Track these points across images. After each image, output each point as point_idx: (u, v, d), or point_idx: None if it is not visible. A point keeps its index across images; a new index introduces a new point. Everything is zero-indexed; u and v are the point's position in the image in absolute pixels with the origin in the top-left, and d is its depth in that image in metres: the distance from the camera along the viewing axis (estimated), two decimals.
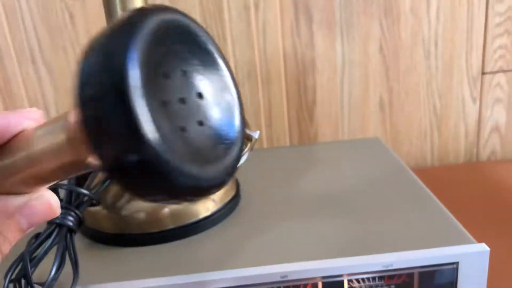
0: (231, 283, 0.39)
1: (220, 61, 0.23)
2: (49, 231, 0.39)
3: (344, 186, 0.53)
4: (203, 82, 0.21)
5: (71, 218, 0.40)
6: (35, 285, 0.38)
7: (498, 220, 0.59)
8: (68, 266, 0.39)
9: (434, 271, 0.40)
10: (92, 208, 0.46)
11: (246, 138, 0.40)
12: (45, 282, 0.37)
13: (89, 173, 0.44)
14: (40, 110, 0.24)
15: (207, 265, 0.41)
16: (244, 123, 0.23)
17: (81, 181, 0.43)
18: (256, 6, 0.71)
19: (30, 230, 0.24)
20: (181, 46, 0.21)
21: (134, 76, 0.16)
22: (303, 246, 0.43)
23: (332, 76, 0.75)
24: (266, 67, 0.74)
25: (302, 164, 0.60)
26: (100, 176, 0.45)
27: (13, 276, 0.36)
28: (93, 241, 0.47)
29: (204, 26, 0.71)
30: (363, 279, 0.40)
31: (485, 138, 0.80)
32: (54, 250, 0.39)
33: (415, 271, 0.40)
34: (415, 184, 0.52)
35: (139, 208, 0.46)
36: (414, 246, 0.40)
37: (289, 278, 0.39)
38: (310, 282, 0.40)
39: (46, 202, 0.24)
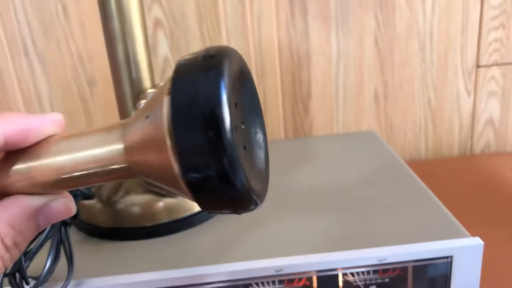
0: (226, 277, 0.39)
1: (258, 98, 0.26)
2: None
3: (338, 180, 0.53)
4: (251, 114, 0.24)
5: None
6: (29, 279, 0.38)
7: (492, 213, 0.59)
8: (62, 260, 0.39)
9: (428, 265, 0.40)
10: (87, 202, 0.46)
11: None
12: (39, 276, 0.37)
13: None
14: (62, 115, 0.25)
15: (202, 259, 0.41)
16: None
17: None
18: None
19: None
20: (239, 84, 0.23)
21: (230, 128, 0.19)
22: (297, 240, 0.43)
23: (327, 69, 0.75)
24: (261, 59, 0.74)
25: (297, 158, 0.60)
26: None
27: (8, 270, 0.36)
28: (87, 235, 0.47)
29: (198, 18, 0.71)
30: (357, 273, 0.40)
31: (479, 131, 0.80)
32: (48, 244, 0.39)
33: (409, 264, 0.40)
34: (409, 178, 0.52)
35: (134, 202, 0.46)
36: (408, 240, 0.40)
37: (284, 272, 0.39)
38: (305, 276, 0.40)
39: (65, 203, 0.25)
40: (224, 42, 0.73)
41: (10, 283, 0.36)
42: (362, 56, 0.75)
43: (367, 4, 0.72)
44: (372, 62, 0.75)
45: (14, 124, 0.23)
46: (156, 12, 0.70)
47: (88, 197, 0.46)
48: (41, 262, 0.38)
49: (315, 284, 0.41)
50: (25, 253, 0.38)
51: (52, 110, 0.74)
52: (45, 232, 0.39)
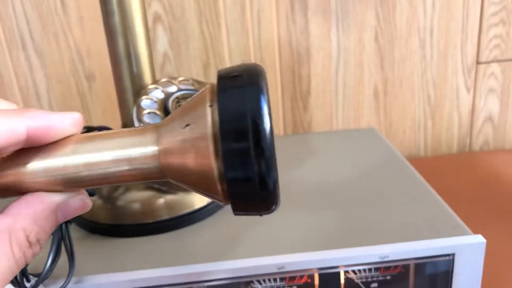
0: (228, 274, 0.39)
1: None
2: None
3: (340, 177, 0.53)
4: None
5: None
6: (30, 276, 0.37)
7: (491, 210, 0.59)
8: (63, 258, 0.38)
9: (430, 263, 0.40)
10: None
11: None
12: (40, 273, 0.37)
13: None
14: (81, 114, 0.25)
15: (202, 256, 0.41)
16: None
17: None
18: None
19: None
20: None
21: (270, 137, 0.22)
22: (299, 237, 0.43)
23: (327, 65, 0.75)
24: (261, 55, 0.74)
25: (297, 154, 0.60)
26: None
27: None
28: (88, 231, 0.46)
29: (198, 13, 0.70)
30: (359, 270, 0.40)
31: (478, 128, 0.80)
32: (49, 241, 0.39)
33: (411, 262, 0.40)
34: (411, 175, 0.52)
35: (134, 198, 0.45)
36: (410, 238, 0.40)
37: (286, 269, 0.39)
38: (306, 273, 0.40)
39: (83, 199, 0.25)
40: (223, 37, 0.72)
41: (11, 280, 0.36)
42: (362, 52, 0.74)
43: (368, 0, 0.72)
44: (372, 59, 0.75)
45: (37, 119, 0.23)
46: (155, 7, 0.70)
47: (88, 194, 0.46)
48: (42, 259, 0.37)
49: (316, 281, 0.40)
50: None
51: (50, 105, 0.74)
52: None
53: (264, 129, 0.21)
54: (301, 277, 0.40)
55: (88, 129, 0.46)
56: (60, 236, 0.40)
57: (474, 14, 0.73)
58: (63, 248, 0.39)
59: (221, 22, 0.72)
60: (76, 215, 0.26)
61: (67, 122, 0.24)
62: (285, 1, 0.71)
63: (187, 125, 0.23)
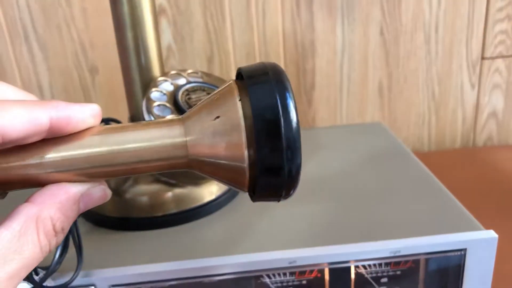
0: (238, 268, 0.39)
1: None
2: None
3: (349, 172, 0.53)
4: None
5: None
6: (38, 270, 0.37)
7: (494, 205, 0.59)
8: (70, 251, 0.38)
9: (441, 258, 0.40)
10: None
11: None
12: (49, 267, 0.37)
13: None
14: (99, 107, 0.25)
15: (212, 250, 0.41)
16: None
17: None
18: None
19: None
20: None
21: (297, 126, 0.24)
22: (309, 232, 0.42)
23: (331, 60, 0.74)
24: (265, 49, 0.73)
25: (305, 149, 0.59)
26: None
27: None
28: (95, 225, 0.46)
29: (202, 6, 0.70)
30: (369, 265, 0.40)
31: (482, 124, 0.80)
32: None
33: (422, 257, 0.40)
34: (420, 170, 0.52)
35: (142, 191, 0.45)
36: (421, 232, 0.40)
37: (297, 263, 0.39)
38: (317, 268, 0.40)
39: (103, 190, 0.26)
40: (228, 31, 0.72)
41: None
42: (367, 47, 0.74)
43: None
44: (377, 53, 0.74)
45: (58, 109, 0.23)
46: None
47: None
48: (51, 253, 0.37)
49: (327, 276, 0.40)
50: None
51: (53, 97, 0.73)
52: None
53: (293, 121, 0.23)
54: (311, 271, 0.40)
55: None
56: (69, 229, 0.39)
57: (480, 9, 0.73)
58: (71, 242, 0.39)
59: (225, 16, 0.71)
60: (96, 205, 0.26)
61: (87, 113, 0.24)
62: None
63: (217, 117, 0.24)
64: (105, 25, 0.70)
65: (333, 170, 0.54)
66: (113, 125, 0.25)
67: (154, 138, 0.25)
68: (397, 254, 0.39)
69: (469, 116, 0.79)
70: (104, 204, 0.45)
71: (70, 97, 0.73)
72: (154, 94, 0.42)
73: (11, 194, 0.26)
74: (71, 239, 0.39)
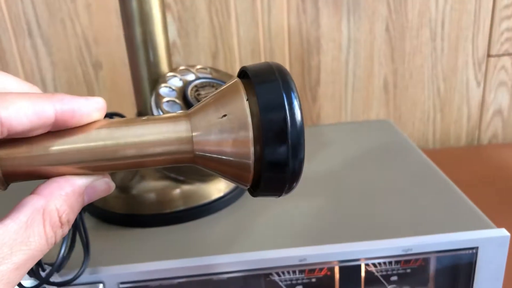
0: (248, 266, 0.39)
1: None
2: None
3: (359, 169, 0.52)
4: None
5: None
6: (45, 265, 0.37)
7: (500, 203, 0.59)
8: (78, 248, 0.38)
9: (452, 256, 0.39)
10: None
11: None
12: (54, 262, 0.36)
13: None
14: (104, 100, 0.25)
15: (221, 247, 0.40)
16: None
17: None
18: None
19: None
20: None
21: (302, 123, 0.25)
22: (318, 229, 0.42)
23: (336, 56, 0.74)
24: (270, 45, 0.73)
25: (312, 146, 0.59)
26: None
27: None
28: (101, 220, 0.46)
29: (207, 1, 0.69)
30: (379, 263, 0.40)
31: (487, 121, 0.79)
32: None
33: (433, 255, 0.40)
34: (430, 168, 0.52)
35: (149, 188, 0.45)
36: (433, 230, 0.40)
37: (308, 261, 0.38)
38: (327, 266, 0.39)
39: (107, 183, 0.26)
40: (233, 27, 0.71)
41: None
42: (372, 44, 0.74)
43: None
44: (382, 50, 0.74)
45: (64, 102, 0.23)
46: None
47: None
48: (56, 248, 0.36)
49: (337, 274, 0.40)
50: None
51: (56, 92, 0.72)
52: None
53: (298, 120, 0.24)
54: (321, 269, 0.40)
55: None
56: (75, 225, 0.39)
57: (486, 6, 0.72)
58: (78, 238, 0.38)
59: (231, 12, 0.71)
60: (99, 198, 0.26)
61: (92, 106, 0.24)
62: None
63: (224, 114, 0.25)
64: (109, 21, 0.69)
65: (342, 167, 0.53)
66: (119, 119, 0.26)
67: (160, 132, 0.25)
68: (409, 252, 0.39)
69: (474, 114, 0.79)
70: (110, 200, 0.45)
71: (73, 92, 0.72)
72: (163, 89, 0.41)
73: (12, 186, 0.26)
74: (78, 235, 0.39)
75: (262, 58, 0.73)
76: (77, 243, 0.38)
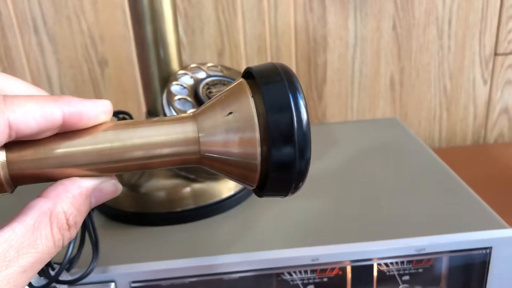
0: (260, 265, 0.38)
1: None
2: None
3: (369, 168, 0.52)
4: None
5: None
6: (55, 265, 0.36)
7: (507, 203, 0.59)
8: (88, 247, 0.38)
9: (465, 256, 0.39)
10: None
11: None
12: (62, 262, 0.36)
13: None
14: (111, 103, 0.25)
15: (232, 247, 0.40)
16: None
17: None
18: None
19: None
20: None
21: (308, 121, 0.25)
22: (330, 229, 0.42)
23: (343, 54, 0.74)
24: (277, 43, 0.73)
25: (322, 144, 0.59)
26: None
27: None
28: (110, 219, 0.45)
29: None
30: (391, 263, 0.40)
31: (494, 120, 0.79)
32: None
33: (445, 255, 0.40)
34: (440, 167, 0.51)
35: (160, 186, 0.44)
36: (446, 230, 0.39)
37: (320, 261, 0.38)
38: (339, 265, 0.39)
39: (114, 185, 0.25)
40: (239, 24, 0.71)
41: None
42: (379, 41, 0.73)
43: None
44: (389, 48, 0.74)
45: (71, 105, 0.23)
46: None
47: None
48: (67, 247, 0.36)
49: (349, 274, 0.40)
50: None
51: (62, 90, 0.72)
52: None
53: (304, 119, 0.24)
54: (332, 269, 0.40)
55: None
56: (84, 224, 0.39)
57: (494, 4, 0.72)
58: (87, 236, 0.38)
59: (237, 9, 0.70)
60: (107, 200, 0.26)
61: (99, 109, 0.24)
62: None
63: (230, 114, 0.25)
64: (115, 18, 0.69)
65: (353, 166, 0.53)
66: (125, 120, 0.26)
67: (166, 133, 0.25)
68: (422, 252, 0.39)
69: (480, 112, 0.79)
70: (120, 198, 0.45)
71: (79, 90, 0.72)
72: (175, 87, 0.41)
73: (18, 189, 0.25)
74: (87, 233, 0.38)
75: (268, 56, 0.73)
76: (87, 241, 0.38)
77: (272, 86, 0.25)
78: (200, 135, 0.25)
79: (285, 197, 0.27)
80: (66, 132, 0.24)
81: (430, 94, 0.77)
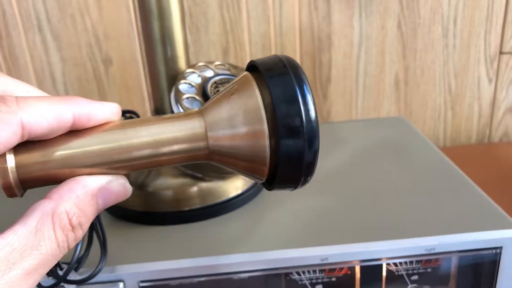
0: (269, 265, 0.38)
1: None
2: None
3: (377, 167, 0.52)
4: None
5: None
6: (63, 264, 0.36)
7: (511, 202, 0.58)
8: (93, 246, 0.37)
9: (475, 255, 0.39)
10: None
11: None
12: (71, 261, 0.36)
13: None
14: (118, 105, 0.25)
15: (240, 246, 0.40)
16: None
17: None
18: None
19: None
20: None
21: (314, 107, 0.25)
22: (339, 228, 0.42)
23: (348, 53, 0.73)
24: (281, 41, 0.72)
25: (328, 143, 0.58)
26: None
27: None
28: (117, 218, 0.45)
29: None
30: (400, 263, 0.40)
31: (499, 119, 0.79)
32: None
33: (455, 254, 0.39)
34: (448, 166, 0.51)
35: (166, 185, 0.44)
36: (455, 230, 0.39)
37: (329, 261, 0.38)
38: (348, 265, 0.39)
39: (123, 184, 0.25)
40: (244, 22, 0.71)
41: None
42: (384, 40, 0.73)
43: None
44: (394, 46, 0.73)
45: (80, 106, 0.23)
46: None
47: None
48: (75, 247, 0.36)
49: (358, 273, 0.40)
50: None
51: (66, 88, 0.72)
52: None
53: (312, 111, 0.24)
54: (341, 269, 0.39)
55: None
56: (91, 223, 0.38)
57: (499, 3, 0.72)
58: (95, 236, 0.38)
59: (242, 7, 0.70)
60: (117, 202, 0.25)
61: (108, 111, 0.25)
62: None
63: (237, 108, 0.25)
64: (120, 16, 0.69)
65: (360, 164, 0.53)
66: (132, 119, 0.26)
67: (174, 130, 0.25)
68: (432, 251, 0.38)
69: (485, 111, 0.78)
70: (129, 197, 0.44)
71: (83, 88, 0.72)
72: (183, 86, 0.41)
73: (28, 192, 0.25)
74: (95, 233, 0.38)
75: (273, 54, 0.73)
76: (95, 241, 0.38)
77: (277, 79, 0.24)
78: (207, 130, 0.25)
79: (294, 189, 0.27)
80: (73, 132, 0.24)
81: (435, 93, 0.77)
